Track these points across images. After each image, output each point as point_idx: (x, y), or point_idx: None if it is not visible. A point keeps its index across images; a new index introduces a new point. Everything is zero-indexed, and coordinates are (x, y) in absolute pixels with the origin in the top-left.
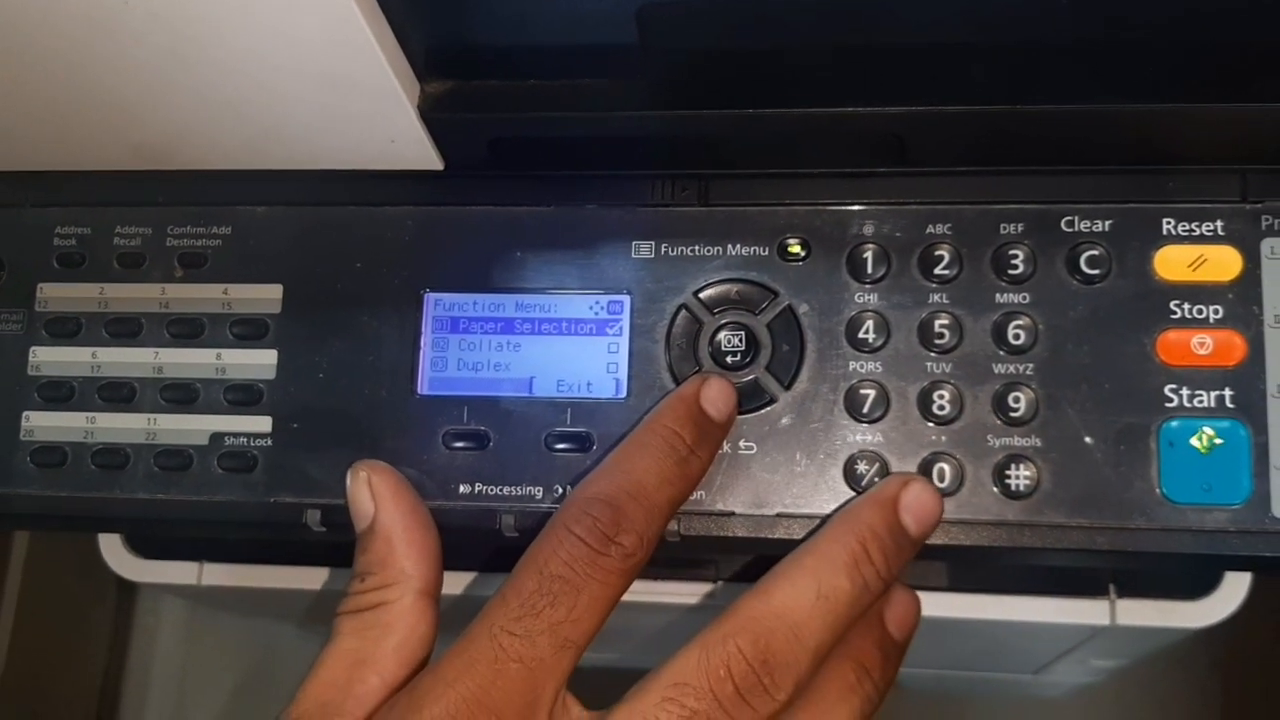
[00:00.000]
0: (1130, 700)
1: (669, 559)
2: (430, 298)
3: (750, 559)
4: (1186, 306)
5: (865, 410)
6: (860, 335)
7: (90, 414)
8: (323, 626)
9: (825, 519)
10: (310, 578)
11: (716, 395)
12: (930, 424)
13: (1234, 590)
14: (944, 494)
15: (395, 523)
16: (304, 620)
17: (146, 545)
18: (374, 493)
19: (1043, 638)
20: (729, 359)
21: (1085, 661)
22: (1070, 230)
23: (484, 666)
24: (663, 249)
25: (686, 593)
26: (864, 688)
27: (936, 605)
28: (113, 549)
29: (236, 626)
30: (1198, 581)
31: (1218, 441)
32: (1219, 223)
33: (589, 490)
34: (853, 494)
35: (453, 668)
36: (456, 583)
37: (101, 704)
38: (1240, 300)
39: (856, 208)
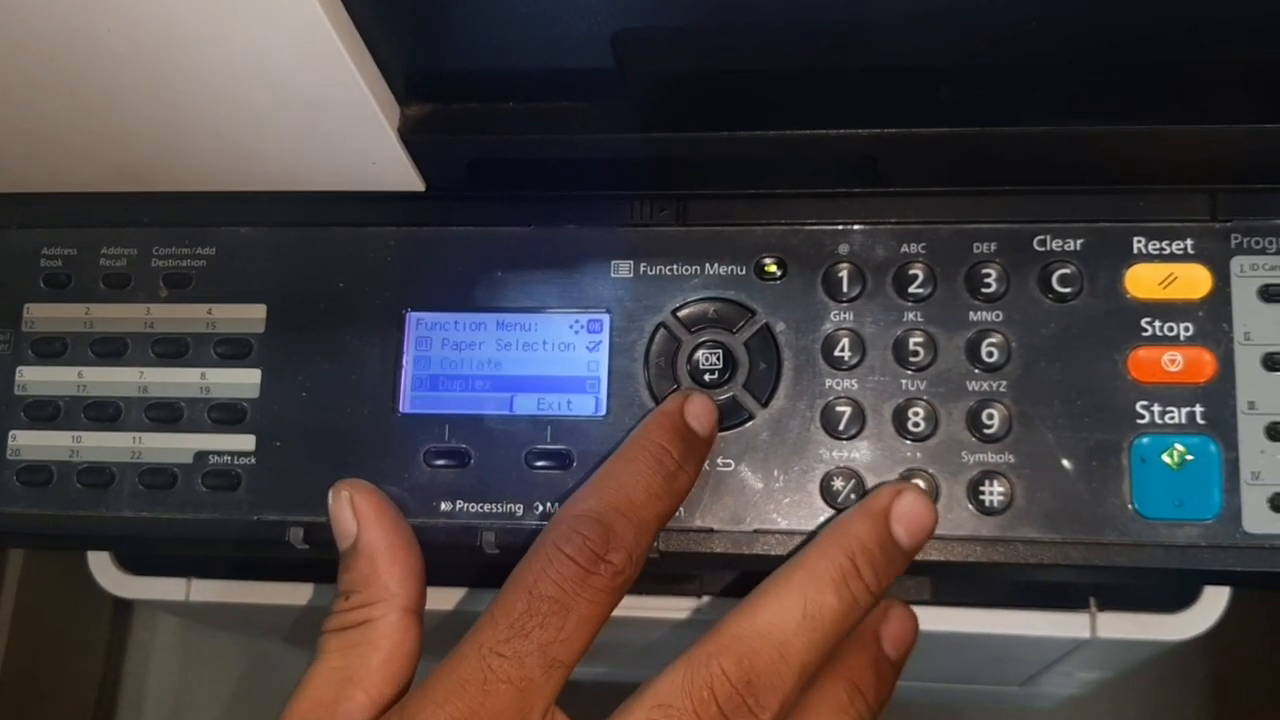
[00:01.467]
0: (1118, 712)
1: (653, 575)
2: (412, 317)
3: (735, 575)
4: (1157, 324)
5: (841, 427)
6: (836, 353)
7: (76, 433)
8: (316, 643)
9: (804, 535)
10: (298, 593)
11: (700, 411)
12: (905, 441)
13: (1214, 603)
14: None
15: (378, 541)
16: (297, 637)
17: (135, 562)
18: (357, 511)
19: (1026, 650)
20: (707, 377)
21: (1070, 674)
22: (1042, 249)
23: (474, 688)
24: (641, 268)
25: (671, 608)
26: (856, 708)
27: (920, 619)
28: (102, 565)
29: (231, 643)
30: (1177, 595)
31: (1189, 457)
32: (1189, 241)
33: (578, 507)
34: (830, 510)
35: (442, 688)
36: (439, 599)
37: (97, 717)
38: (1210, 318)
39: (832, 227)
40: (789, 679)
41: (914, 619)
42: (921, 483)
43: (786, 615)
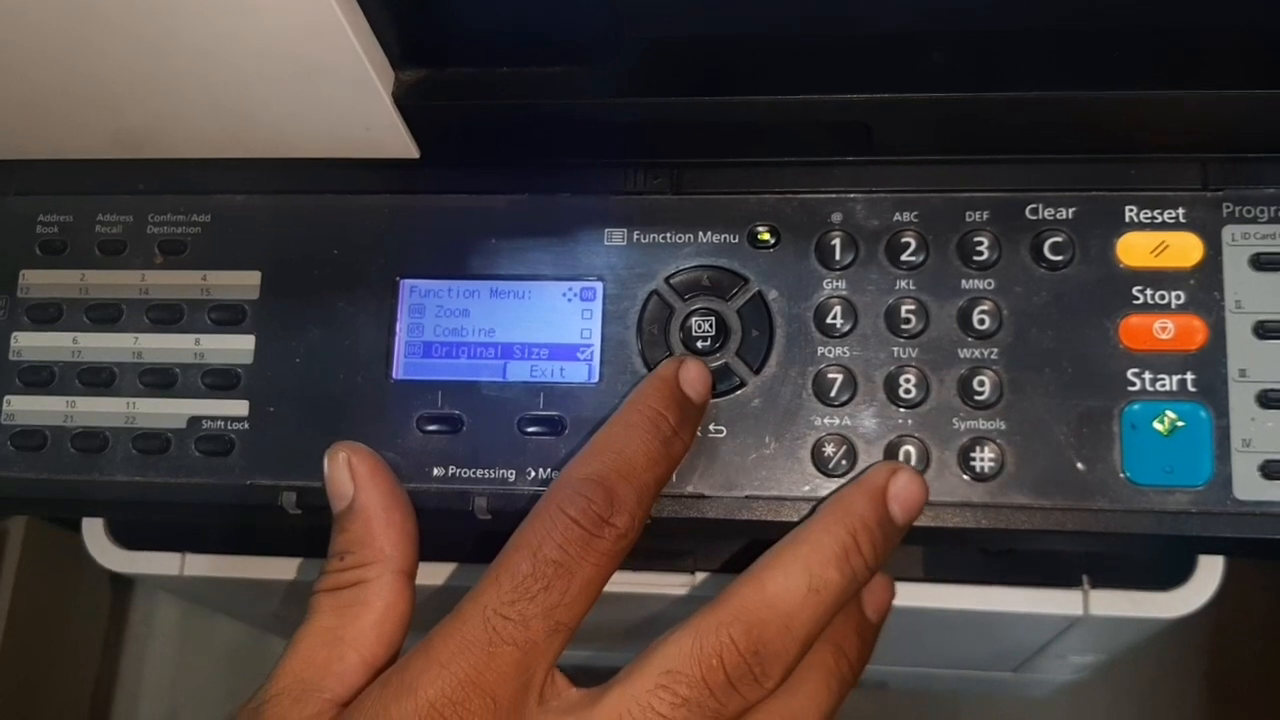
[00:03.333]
0: (1114, 700)
1: (647, 550)
2: (405, 284)
3: (729, 554)
4: (1149, 292)
5: (833, 394)
6: (828, 321)
7: (70, 398)
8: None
9: (795, 500)
10: (293, 569)
11: (694, 376)
12: (896, 407)
13: (1207, 580)
14: None
15: (374, 503)
16: (294, 620)
17: (130, 536)
18: (354, 473)
19: (1019, 629)
20: (699, 344)
21: (1064, 657)
22: (1035, 218)
23: (478, 649)
24: (635, 236)
25: (667, 584)
26: (840, 669)
27: (912, 596)
28: (96, 539)
29: (229, 630)
30: (1170, 571)
31: (1179, 424)
32: (1181, 210)
33: (580, 471)
34: (821, 477)
35: (445, 648)
36: (427, 574)
37: (94, 707)
38: (1201, 286)
39: (825, 196)
40: (793, 649)
41: (891, 585)
42: (912, 449)
43: (793, 588)
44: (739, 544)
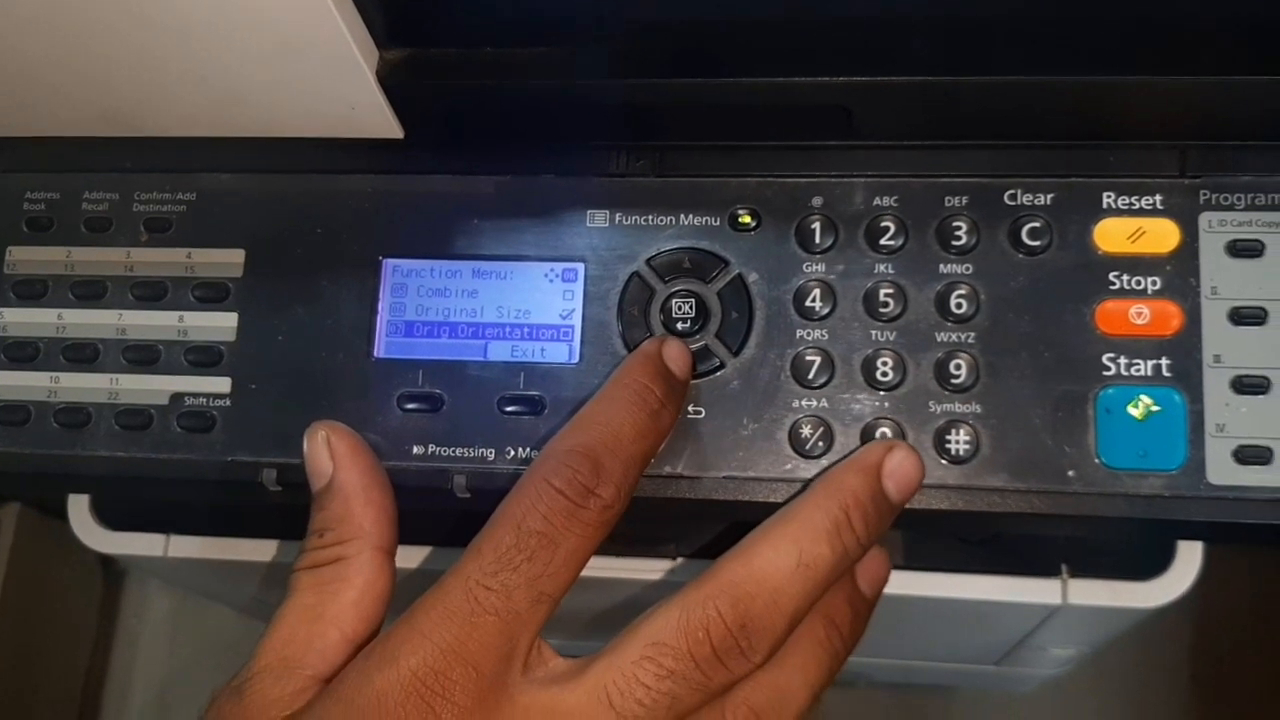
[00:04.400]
0: (1098, 693)
1: (626, 535)
2: (388, 264)
3: (710, 538)
4: (1125, 278)
5: (811, 376)
6: (807, 304)
7: (54, 374)
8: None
9: (772, 482)
10: (275, 551)
11: (676, 354)
12: (874, 390)
13: (1186, 569)
14: None
15: (353, 481)
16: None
17: (115, 517)
18: (333, 451)
19: (998, 619)
20: (679, 325)
21: (1046, 649)
22: (1013, 203)
23: (460, 619)
24: (617, 218)
25: (647, 569)
26: (832, 643)
27: (892, 583)
28: (81, 520)
29: (220, 624)
30: (1149, 560)
31: (1154, 409)
32: (1158, 197)
33: (566, 442)
34: (798, 458)
35: (427, 619)
36: (403, 557)
37: (85, 697)
38: (1178, 272)
39: (806, 180)
40: (781, 624)
41: (887, 559)
42: (889, 431)
43: (782, 563)
44: (719, 529)
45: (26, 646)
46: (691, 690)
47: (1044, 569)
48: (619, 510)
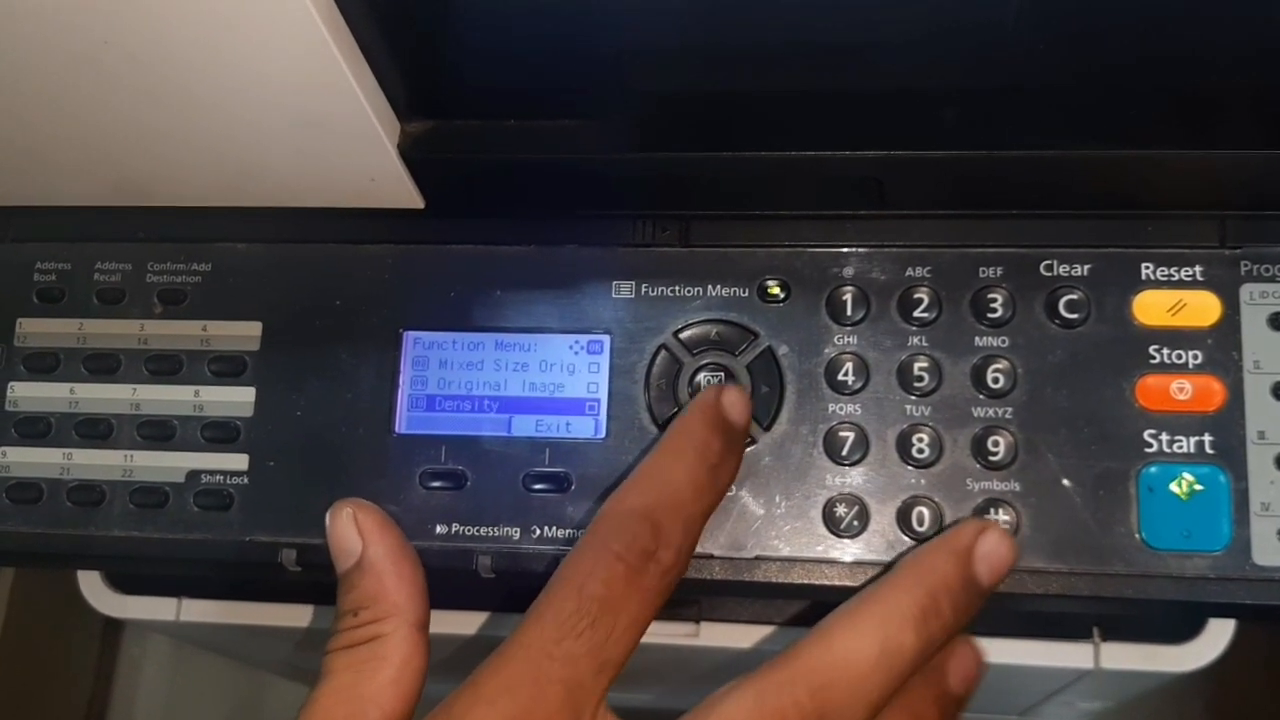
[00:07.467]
0: None
1: None
2: (409, 336)
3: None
4: (1165, 351)
5: (844, 452)
6: (840, 377)
7: (67, 450)
8: (304, 664)
9: (805, 561)
10: (289, 615)
11: (735, 399)
12: (909, 467)
13: (1219, 634)
14: (922, 538)
15: (384, 558)
16: (288, 660)
17: (126, 581)
18: (361, 528)
19: (1027, 680)
20: None
21: (1072, 704)
22: (1049, 274)
23: (525, 688)
24: (643, 289)
25: (670, 634)
26: None
27: None
28: (91, 584)
29: (221, 665)
30: (1182, 626)
31: (1198, 488)
32: (1198, 268)
33: (625, 503)
34: (831, 538)
35: (491, 686)
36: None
37: None
38: (1219, 345)
39: (836, 250)
40: (860, 715)
41: (981, 655)
42: (925, 511)
43: (865, 649)
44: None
45: (25, 692)
46: None
47: (1075, 631)
48: (679, 573)
